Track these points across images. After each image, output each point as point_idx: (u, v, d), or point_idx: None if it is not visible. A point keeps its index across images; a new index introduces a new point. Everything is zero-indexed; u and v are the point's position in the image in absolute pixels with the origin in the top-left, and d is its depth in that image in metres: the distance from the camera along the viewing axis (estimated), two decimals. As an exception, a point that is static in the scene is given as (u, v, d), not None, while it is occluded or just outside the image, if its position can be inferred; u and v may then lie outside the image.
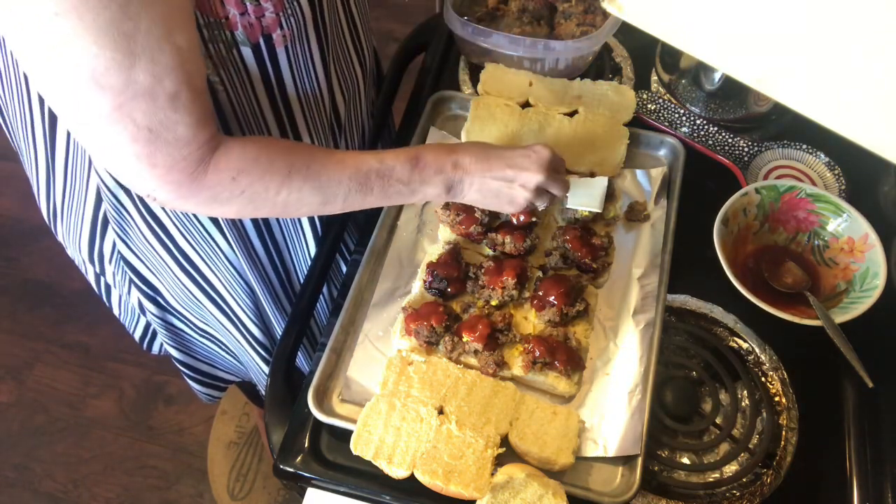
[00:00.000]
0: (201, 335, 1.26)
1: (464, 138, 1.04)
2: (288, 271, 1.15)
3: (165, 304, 1.15)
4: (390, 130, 1.25)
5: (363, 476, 0.81)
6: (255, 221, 1.01)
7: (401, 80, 1.21)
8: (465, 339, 0.84)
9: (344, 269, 1.22)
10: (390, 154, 0.79)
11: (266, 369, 1.26)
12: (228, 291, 1.10)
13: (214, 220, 0.97)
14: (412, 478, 0.76)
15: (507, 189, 0.83)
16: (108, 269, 1.09)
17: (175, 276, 1.06)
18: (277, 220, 1.04)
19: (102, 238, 1.02)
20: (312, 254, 1.11)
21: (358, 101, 1.04)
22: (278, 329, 1.21)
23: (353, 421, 0.80)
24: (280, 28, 0.77)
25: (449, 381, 0.82)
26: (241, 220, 0.99)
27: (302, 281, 1.17)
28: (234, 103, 0.82)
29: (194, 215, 0.95)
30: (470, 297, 0.91)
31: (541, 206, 0.87)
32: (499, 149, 0.84)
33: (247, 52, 0.76)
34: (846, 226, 0.97)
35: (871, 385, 0.87)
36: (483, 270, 0.90)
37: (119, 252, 1.03)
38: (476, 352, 0.84)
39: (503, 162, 0.82)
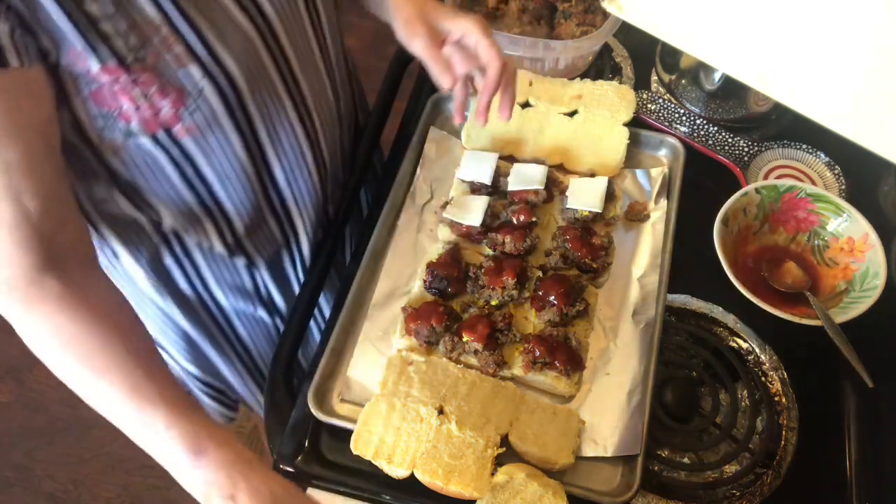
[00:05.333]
0: None
1: (464, 138, 1.05)
2: (227, 315, 1.08)
3: None
4: (379, 159, 1.21)
5: (363, 476, 0.81)
6: (181, 269, 0.95)
7: (401, 80, 1.20)
8: (465, 339, 0.84)
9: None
10: (178, 430, 0.66)
11: (210, 402, 1.24)
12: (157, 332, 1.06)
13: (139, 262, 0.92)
14: (412, 478, 0.76)
15: None
16: None
17: None
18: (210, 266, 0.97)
19: None
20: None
21: (303, 178, 0.94)
22: (222, 366, 1.15)
23: (353, 421, 0.80)
24: (181, 121, 0.73)
25: (449, 380, 0.82)
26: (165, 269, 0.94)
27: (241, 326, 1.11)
28: (148, 183, 0.80)
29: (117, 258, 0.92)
30: (470, 297, 0.91)
31: None
32: None
33: (146, 141, 0.74)
34: (846, 226, 0.97)
35: (871, 385, 0.87)
36: (483, 270, 0.90)
37: None
38: (476, 352, 0.84)
39: None
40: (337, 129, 0.99)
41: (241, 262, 0.97)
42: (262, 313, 1.08)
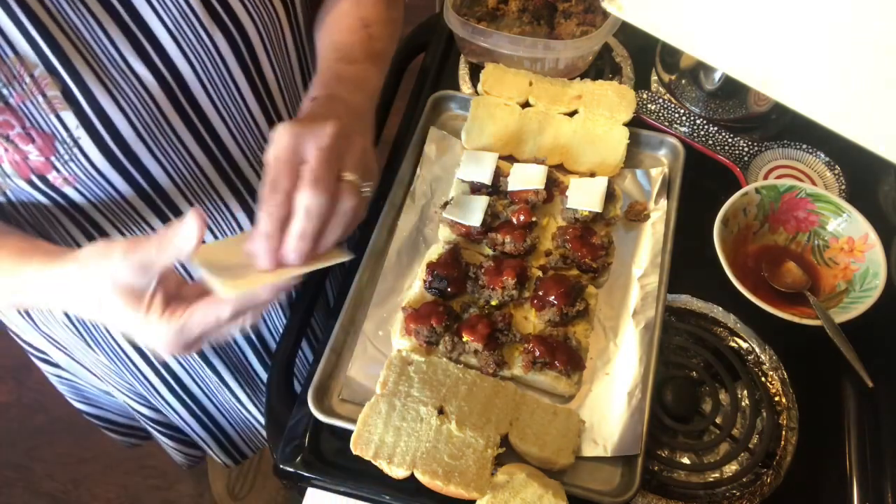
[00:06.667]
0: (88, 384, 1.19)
1: (464, 138, 1.04)
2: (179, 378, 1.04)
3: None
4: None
5: (363, 476, 0.81)
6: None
7: (401, 80, 1.21)
8: (465, 339, 0.84)
9: (330, 290, 1.15)
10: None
11: (170, 442, 1.22)
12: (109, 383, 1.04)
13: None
14: (412, 478, 0.76)
15: None
16: None
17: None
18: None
19: None
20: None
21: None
22: (174, 418, 1.11)
23: (353, 421, 0.80)
24: (55, 170, 0.66)
25: (449, 380, 0.82)
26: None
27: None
28: (44, 228, 0.75)
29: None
30: (470, 297, 0.91)
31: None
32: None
33: (24, 184, 0.67)
34: (846, 226, 0.97)
35: (871, 385, 0.87)
36: (483, 270, 0.90)
37: None
38: (476, 351, 0.84)
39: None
40: None
41: None
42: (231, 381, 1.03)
